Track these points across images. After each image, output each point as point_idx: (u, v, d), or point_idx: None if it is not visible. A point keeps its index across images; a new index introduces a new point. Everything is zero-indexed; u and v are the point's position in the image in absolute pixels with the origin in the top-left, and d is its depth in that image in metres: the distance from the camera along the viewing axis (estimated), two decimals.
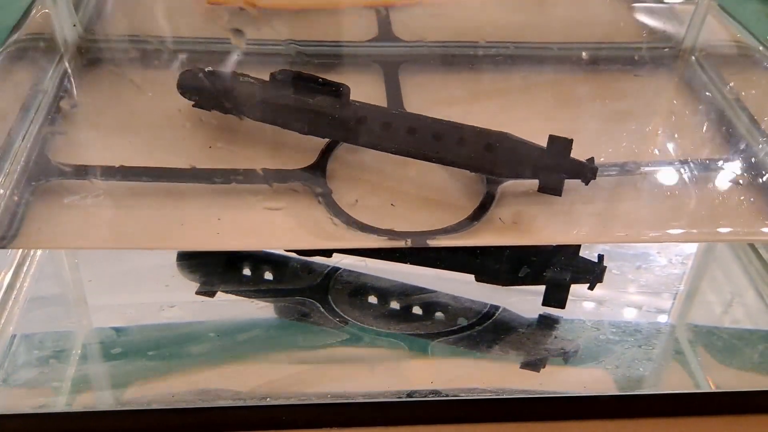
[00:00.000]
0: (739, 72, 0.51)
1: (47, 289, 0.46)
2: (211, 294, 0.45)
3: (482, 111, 0.46)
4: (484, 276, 0.43)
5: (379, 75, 0.48)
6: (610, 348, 0.43)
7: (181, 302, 0.45)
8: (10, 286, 0.45)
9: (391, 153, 0.40)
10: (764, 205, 0.40)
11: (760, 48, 0.51)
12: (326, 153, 0.41)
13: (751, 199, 0.41)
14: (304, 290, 0.45)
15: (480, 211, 0.39)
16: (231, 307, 0.45)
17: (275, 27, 0.51)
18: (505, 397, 0.40)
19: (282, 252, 0.46)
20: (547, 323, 0.44)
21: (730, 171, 0.43)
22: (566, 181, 0.38)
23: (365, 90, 0.41)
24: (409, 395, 0.40)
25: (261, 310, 0.45)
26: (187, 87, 0.43)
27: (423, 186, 0.40)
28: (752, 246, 0.49)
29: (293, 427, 0.39)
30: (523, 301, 0.45)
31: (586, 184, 0.38)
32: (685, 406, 0.41)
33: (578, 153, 0.38)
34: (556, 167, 0.38)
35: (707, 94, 0.48)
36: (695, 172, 0.42)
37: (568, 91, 0.49)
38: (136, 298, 0.45)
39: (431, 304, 0.45)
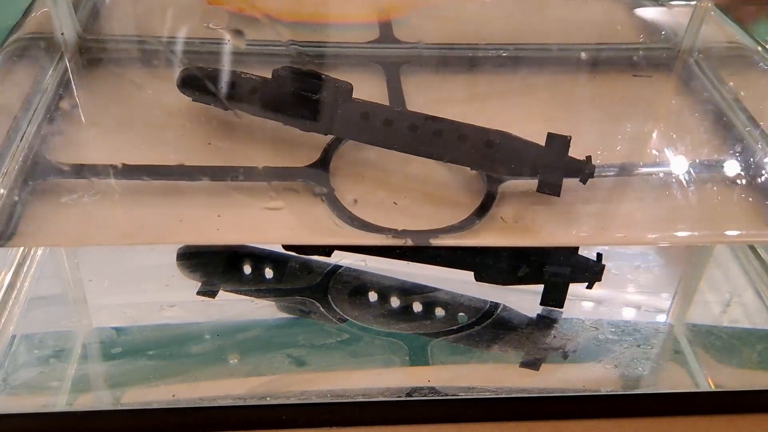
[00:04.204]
0: (737, 73, 0.51)
1: (47, 288, 0.46)
2: (212, 294, 0.45)
3: (482, 112, 0.46)
4: (483, 275, 0.43)
5: (380, 76, 0.48)
6: (609, 347, 0.43)
7: (181, 302, 0.45)
8: (10, 286, 0.45)
9: (393, 150, 0.40)
10: (763, 206, 0.40)
11: (759, 49, 0.51)
12: (329, 151, 0.41)
13: (750, 200, 0.41)
14: (304, 290, 0.45)
15: (481, 211, 0.39)
16: (231, 307, 0.45)
17: (276, 28, 0.51)
18: (504, 396, 0.41)
19: (282, 251, 0.47)
20: (546, 322, 0.44)
21: (729, 171, 0.43)
22: (567, 182, 0.38)
23: (368, 90, 0.41)
24: (408, 394, 0.40)
25: (261, 310, 0.45)
26: (187, 84, 0.43)
27: (425, 185, 0.41)
28: (751, 246, 0.49)
29: (293, 427, 0.39)
30: (523, 300, 0.45)
31: (584, 183, 0.38)
32: (685, 406, 0.41)
33: (577, 153, 0.38)
34: (555, 165, 0.38)
35: (706, 94, 0.49)
36: (694, 173, 0.42)
37: (568, 93, 0.49)
38: (136, 298, 0.45)
39: (431, 303, 0.45)
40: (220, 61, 0.47)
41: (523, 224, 0.38)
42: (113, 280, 0.46)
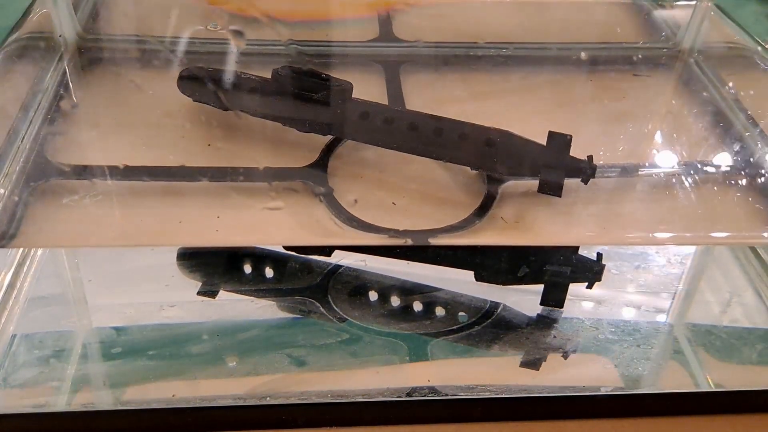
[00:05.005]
0: (737, 72, 0.51)
1: (47, 288, 0.46)
2: (213, 294, 0.45)
3: (482, 111, 0.46)
4: (483, 275, 0.43)
5: (380, 75, 0.48)
6: (609, 347, 0.43)
7: (181, 302, 0.45)
8: (10, 286, 0.45)
9: (393, 149, 0.40)
10: (763, 206, 0.40)
11: (759, 49, 0.51)
12: (328, 151, 0.41)
13: (750, 200, 0.41)
14: (304, 290, 0.45)
15: (481, 211, 0.39)
16: (231, 307, 0.45)
17: (276, 28, 0.51)
18: (504, 396, 0.40)
19: (282, 251, 0.47)
20: (546, 322, 0.44)
21: (728, 171, 0.43)
22: (567, 182, 0.38)
23: (367, 90, 0.41)
24: (408, 394, 0.40)
25: (261, 309, 0.45)
26: (187, 84, 0.43)
27: (424, 185, 0.41)
28: (751, 246, 0.49)
29: (293, 427, 0.39)
30: (523, 300, 0.45)
31: (585, 183, 0.38)
32: (685, 406, 0.41)
33: (578, 153, 0.38)
34: (556, 164, 0.38)
35: (706, 94, 0.49)
36: (694, 173, 0.42)
37: (568, 92, 0.49)
38: (136, 298, 0.45)
39: (431, 303, 0.45)
40: (220, 61, 0.47)
41: (524, 224, 0.38)
42: (113, 280, 0.46)
